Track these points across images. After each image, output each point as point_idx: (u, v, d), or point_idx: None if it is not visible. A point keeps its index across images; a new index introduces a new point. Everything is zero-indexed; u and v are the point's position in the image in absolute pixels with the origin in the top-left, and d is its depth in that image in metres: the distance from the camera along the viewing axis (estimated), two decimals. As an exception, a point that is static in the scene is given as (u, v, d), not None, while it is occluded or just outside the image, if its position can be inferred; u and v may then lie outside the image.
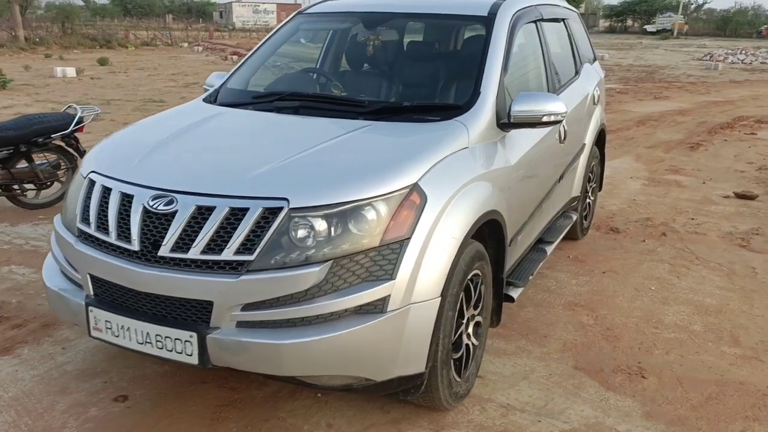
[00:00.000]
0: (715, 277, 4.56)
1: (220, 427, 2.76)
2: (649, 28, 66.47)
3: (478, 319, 3.04)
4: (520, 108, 3.13)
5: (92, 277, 2.58)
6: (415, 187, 2.50)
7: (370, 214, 2.38)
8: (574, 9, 5.37)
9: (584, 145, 4.75)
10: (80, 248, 2.60)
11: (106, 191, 2.61)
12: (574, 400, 3.05)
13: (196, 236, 2.36)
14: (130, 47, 33.26)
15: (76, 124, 5.61)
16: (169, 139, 2.92)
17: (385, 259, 2.38)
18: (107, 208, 2.57)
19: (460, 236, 2.58)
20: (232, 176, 2.49)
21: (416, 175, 2.53)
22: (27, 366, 3.20)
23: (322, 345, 2.30)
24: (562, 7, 4.80)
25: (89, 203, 2.66)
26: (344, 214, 2.36)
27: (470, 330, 2.97)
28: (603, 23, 70.85)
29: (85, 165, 2.85)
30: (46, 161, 5.69)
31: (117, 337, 2.51)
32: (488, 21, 3.49)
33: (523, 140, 3.38)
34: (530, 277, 3.73)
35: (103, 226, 2.57)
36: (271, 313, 2.31)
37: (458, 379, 2.86)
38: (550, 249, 4.14)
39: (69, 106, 5.88)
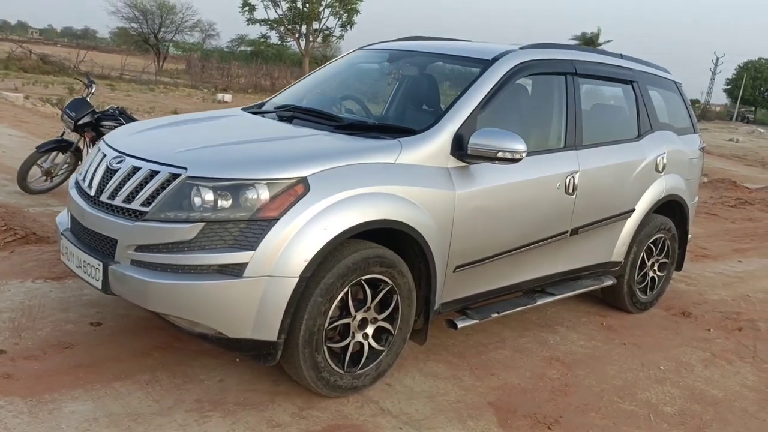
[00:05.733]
0: (752, 376, 4.04)
1: (142, 359, 3.31)
2: None
3: (384, 324, 3.22)
4: (477, 141, 3.31)
5: (70, 215, 3.33)
6: (302, 180, 2.86)
7: (250, 193, 2.80)
8: (672, 78, 5.18)
9: (632, 210, 4.55)
10: (71, 192, 3.38)
11: (98, 152, 3.38)
12: (455, 425, 3.07)
13: (123, 188, 2.98)
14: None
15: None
16: (168, 125, 3.64)
17: (252, 232, 2.77)
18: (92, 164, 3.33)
19: (334, 231, 2.86)
20: (166, 150, 3.10)
21: (307, 171, 2.89)
22: (60, 290, 4.07)
23: (180, 289, 2.76)
24: (633, 70, 4.70)
25: (88, 162, 3.44)
26: (229, 189, 2.81)
27: (369, 331, 3.17)
28: None
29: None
30: None
31: (69, 261, 3.22)
32: (486, 65, 3.71)
33: (488, 175, 3.49)
34: (494, 315, 3.76)
35: (84, 177, 3.32)
36: (153, 257, 2.83)
37: (338, 370, 3.07)
38: (542, 300, 4.08)
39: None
